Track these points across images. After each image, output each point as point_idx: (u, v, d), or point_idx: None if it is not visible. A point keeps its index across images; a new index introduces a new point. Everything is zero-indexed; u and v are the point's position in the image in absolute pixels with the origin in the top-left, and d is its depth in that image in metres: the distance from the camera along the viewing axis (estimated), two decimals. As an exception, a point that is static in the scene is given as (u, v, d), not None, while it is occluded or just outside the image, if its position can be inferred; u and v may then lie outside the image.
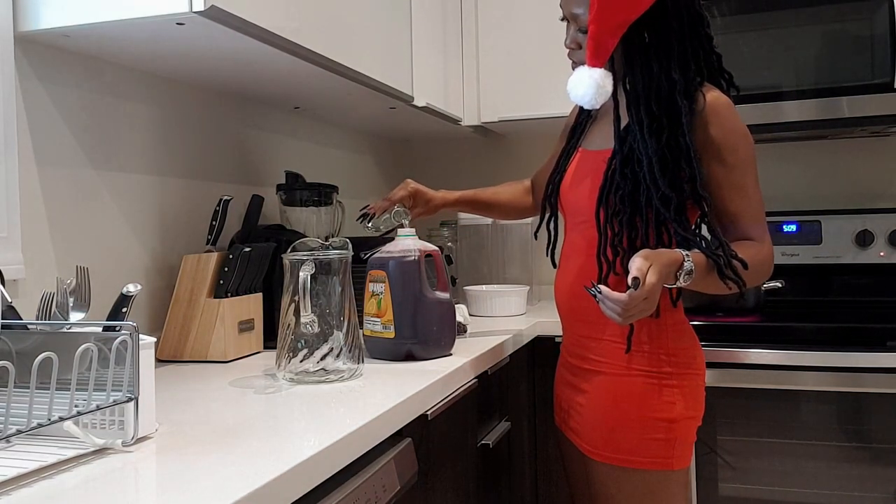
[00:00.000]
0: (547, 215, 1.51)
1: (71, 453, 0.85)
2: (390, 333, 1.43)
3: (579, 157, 1.44)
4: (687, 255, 1.21)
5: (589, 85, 1.31)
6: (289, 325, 1.27)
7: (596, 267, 1.34)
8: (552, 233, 1.52)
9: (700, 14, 1.31)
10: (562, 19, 1.40)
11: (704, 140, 1.29)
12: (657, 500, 1.31)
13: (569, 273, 1.43)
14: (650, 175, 1.27)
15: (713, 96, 1.29)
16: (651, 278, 1.15)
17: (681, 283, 1.21)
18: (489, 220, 2.33)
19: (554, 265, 1.52)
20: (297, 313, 1.24)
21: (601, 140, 1.41)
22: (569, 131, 1.53)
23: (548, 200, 1.49)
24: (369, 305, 1.46)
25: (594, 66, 1.31)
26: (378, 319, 1.44)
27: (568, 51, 1.41)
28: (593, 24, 1.28)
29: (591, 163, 1.39)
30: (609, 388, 1.34)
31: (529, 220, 2.35)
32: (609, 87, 1.32)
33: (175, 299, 1.50)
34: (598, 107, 1.34)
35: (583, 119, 1.50)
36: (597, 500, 1.37)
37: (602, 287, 1.18)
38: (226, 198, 1.58)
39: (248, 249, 1.49)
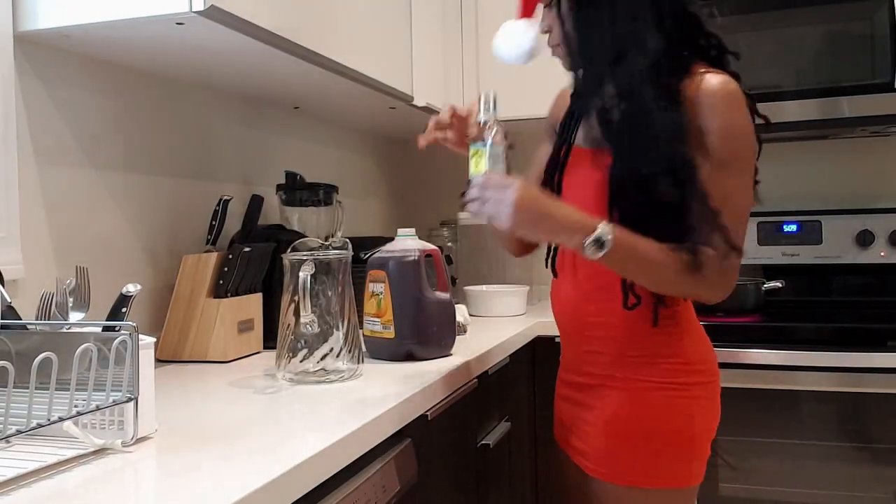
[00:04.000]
0: None
1: (71, 453, 0.85)
2: (390, 333, 1.43)
3: (575, 154, 1.28)
4: (605, 226, 1.07)
5: (505, 36, 1.23)
6: (289, 325, 1.27)
7: (606, 275, 1.19)
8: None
9: None
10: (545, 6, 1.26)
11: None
12: None
13: (573, 284, 1.28)
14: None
15: (713, 81, 1.14)
16: (508, 182, 1.06)
17: (597, 254, 1.06)
18: (489, 220, 2.32)
19: (555, 275, 1.34)
20: (297, 313, 1.24)
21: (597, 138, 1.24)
22: (558, 127, 1.35)
23: None
24: (369, 305, 1.46)
25: (523, 16, 1.23)
26: (378, 319, 1.44)
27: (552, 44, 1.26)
28: None
29: (589, 161, 1.23)
30: (625, 403, 1.21)
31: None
32: (529, 39, 1.22)
33: (175, 299, 1.50)
34: (520, 62, 1.23)
35: (575, 111, 1.31)
36: None
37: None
38: (226, 198, 1.58)
39: (247, 249, 1.49)
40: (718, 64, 1.18)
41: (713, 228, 1.11)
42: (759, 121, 1.20)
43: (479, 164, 1.14)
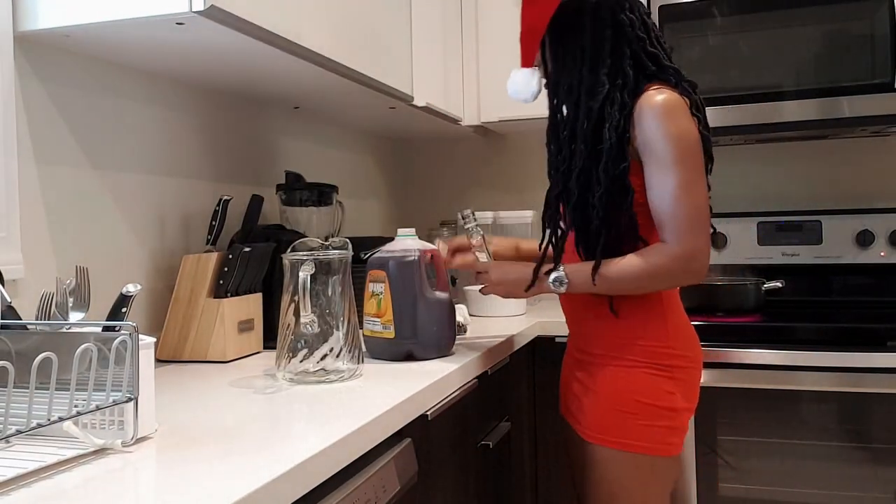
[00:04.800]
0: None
1: (70, 453, 0.85)
2: (390, 333, 1.43)
3: None
4: (557, 267, 1.37)
5: (514, 82, 1.46)
6: (289, 325, 1.27)
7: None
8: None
9: (619, 20, 1.35)
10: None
11: (635, 140, 1.33)
12: (654, 483, 1.37)
13: None
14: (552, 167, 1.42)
15: (645, 99, 1.31)
16: (487, 268, 1.46)
17: (561, 289, 1.36)
18: (489, 220, 2.33)
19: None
20: (296, 313, 1.24)
21: None
22: None
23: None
24: (369, 305, 1.46)
25: (523, 66, 1.45)
26: (378, 319, 1.44)
27: None
28: (521, 26, 1.43)
29: None
30: (613, 378, 1.38)
31: (529, 219, 2.35)
32: (534, 84, 1.44)
33: (175, 299, 1.50)
34: (531, 101, 1.46)
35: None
36: (598, 484, 1.41)
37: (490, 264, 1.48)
38: (226, 198, 1.58)
39: (247, 249, 1.49)
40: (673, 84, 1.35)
41: (668, 226, 1.30)
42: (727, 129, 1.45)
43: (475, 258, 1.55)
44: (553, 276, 1.36)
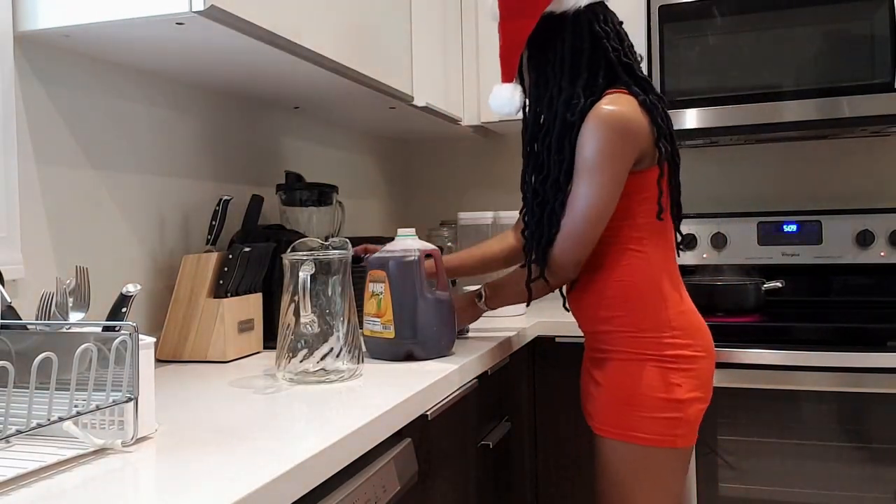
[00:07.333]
0: None
1: (70, 453, 0.85)
2: (390, 333, 1.43)
3: None
4: (483, 290, 1.57)
5: (498, 97, 1.49)
6: (289, 325, 1.27)
7: (599, 275, 1.49)
8: None
9: (595, 31, 1.40)
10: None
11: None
12: (660, 475, 1.39)
13: (579, 286, 1.54)
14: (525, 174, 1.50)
15: (595, 107, 1.35)
16: None
17: (486, 307, 1.57)
18: (489, 220, 2.32)
19: (571, 288, 1.63)
20: (296, 313, 1.24)
21: None
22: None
23: None
24: (369, 305, 1.46)
25: (504, 81, 1.48)
26: (378, 319, 1.44)
27: None
28: (500, 43, 1.46)
29: None
30: (620, 371, 1.42)
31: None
32: (517, 99, 1.48)
33: (175, 299, 1.50)
34: (514, 115, 1.50)
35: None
36: (604, 476, 1.45)
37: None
38: (226, 198, 1.58)
39: (247, 249, 1.49)
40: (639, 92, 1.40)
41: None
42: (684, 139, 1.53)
43: None
44: (478, 294, 1.57)
